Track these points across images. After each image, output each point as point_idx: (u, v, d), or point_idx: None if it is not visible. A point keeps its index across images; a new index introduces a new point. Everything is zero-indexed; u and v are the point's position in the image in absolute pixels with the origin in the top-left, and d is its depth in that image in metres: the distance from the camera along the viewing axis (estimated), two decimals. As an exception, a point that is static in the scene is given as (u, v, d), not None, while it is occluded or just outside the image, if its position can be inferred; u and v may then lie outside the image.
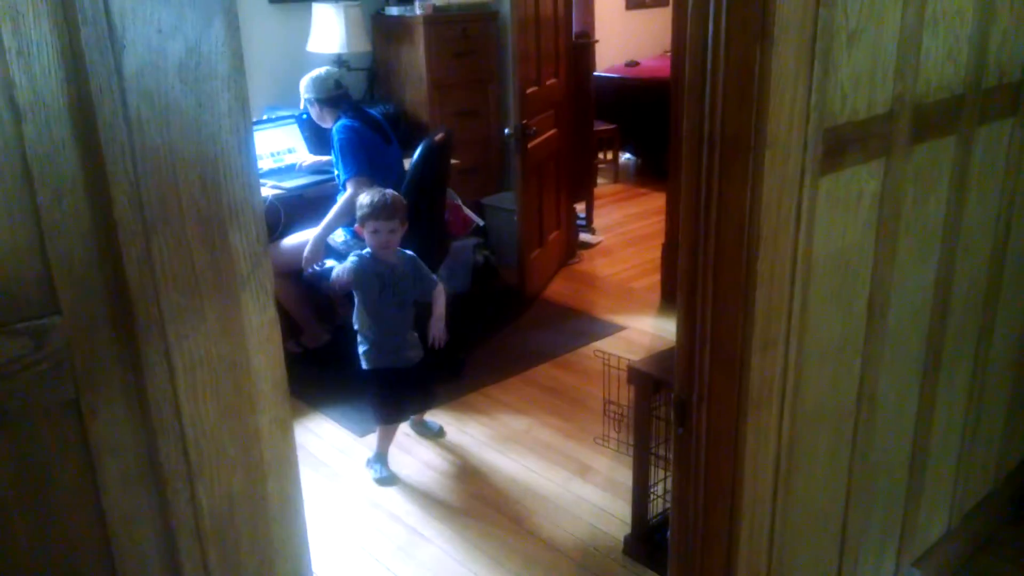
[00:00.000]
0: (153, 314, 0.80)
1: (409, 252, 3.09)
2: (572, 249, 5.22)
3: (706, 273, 1.52)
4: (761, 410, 1.57)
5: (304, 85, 3.69)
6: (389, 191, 3.06)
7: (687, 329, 1.59)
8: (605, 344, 4.06)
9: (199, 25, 0.77)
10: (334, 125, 3.67)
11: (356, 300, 3.02)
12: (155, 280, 0.80)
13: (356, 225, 3.06)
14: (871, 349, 1.81)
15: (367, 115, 3.84)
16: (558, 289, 4.84)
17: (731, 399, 1.55)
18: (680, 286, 1.59)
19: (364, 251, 3.01)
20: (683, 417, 1.64)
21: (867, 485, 1.94)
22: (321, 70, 3.73)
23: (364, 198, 2.99)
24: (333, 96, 3.67)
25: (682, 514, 1.71)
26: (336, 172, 3.70)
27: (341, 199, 3.59)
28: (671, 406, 1.71)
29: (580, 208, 5.57)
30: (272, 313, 0.88)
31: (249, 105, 0.83)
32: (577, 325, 4.35)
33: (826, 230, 1.59)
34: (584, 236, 5.50)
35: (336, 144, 3.61)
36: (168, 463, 0.84)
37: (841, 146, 1.55)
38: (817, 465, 1.78)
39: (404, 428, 3.40)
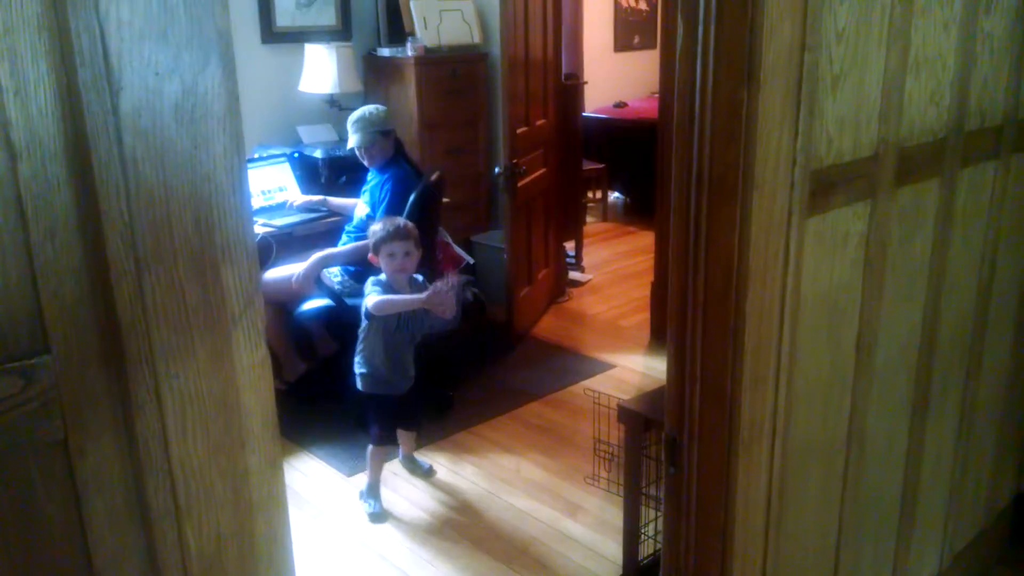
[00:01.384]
0: (144, 352, 0.80)
1: (419, 278, 3.10)
2: (561, 287, 5.23)
3: (695, 312, 1.53)
4: (752, 448, 1.57)
5: (361, 119, 3.65)
6: (400, 219, 3.09)
7: (677, 367, 1.59)
8: (594, 382, 4.06)
9: (195, 67, 0.79)
10: (385, 167, 3.68)
11: (367, 326, 3.02)
12: (146, 318, 0.80)
13: (370, 254, 3.07)
14: (860, 387, 1.81)
15: (412, 161, 3.88)
16: (547, 327, 4.84)
17: (722, 437, 1.55)
18: (670, 324, 1.60)
19: (380, 276, 3.02)
20: (674, 456, 1.64)
21: (858, 523, 1.93)
22: (374, 106, 3.74)
23: (377, 225, 3.01)
24: (388, 131, 3.70)
25: (673, 553, 1.70)
26: (367, 208, 3.70)
27: (364, 242, 3.59)
28: (662, 445, 1.71)
29: (569, 246, 5.60)
30: (263, 352, 0.88)
31: (244, 145, 0.84)
32: (566, 363, 4.35)
33: (813, 270, 1.60)
34: (573, 274, 5.52)
35: (386, 187, 3.63)
36: (156, 502, 0.84)
37: (827, 187, 1.57)
38: (808, 503, 1.77)
39: (394, 467, 3.37)
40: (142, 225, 0.78)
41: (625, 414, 2.50)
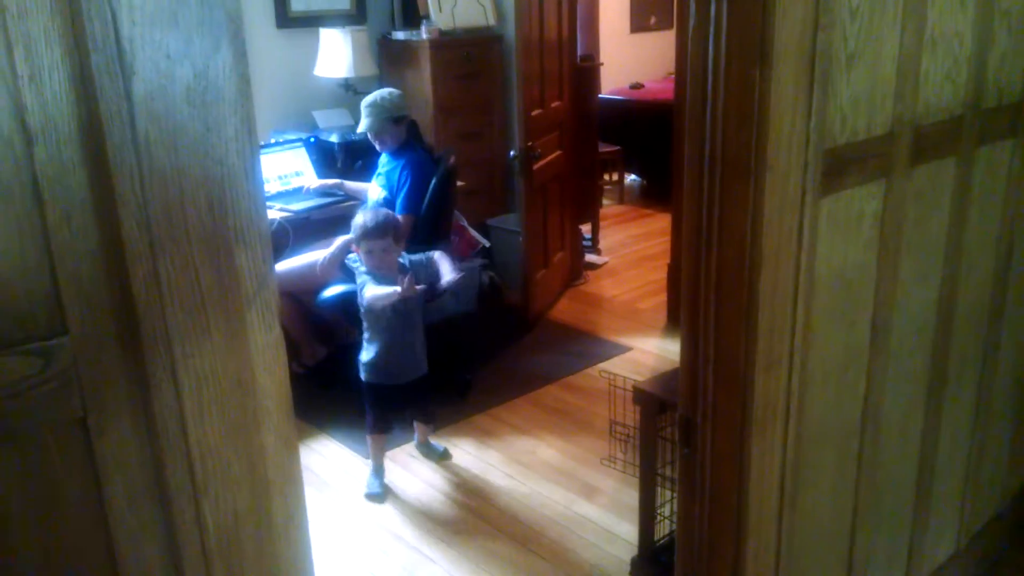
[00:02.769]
0: (159, 333, 0.81)
1: (405, 263, 3.10)
2: (577, 270, 5.23)
3: (708, 294, 1.53)
4: (766, 429, 1.57)
5: (374, 104, 3.64)
6: (382, 210, 3.08)
7: (691, 349, 1.59)
8: (611, 365, 4.06)
9: (207, 51, 0.79)
10: (399, 152, 3.69)
11: (364, 315, 3.04)
12: (162, 299, 0.81)
13: (353, 244, 3.09)
14: (875, 368, 1.81)
15: (427, 145, 3.87)
16: (563, 310, 4.85)
17: (735, 419, 1.56)
18: (683, 306, 1.60)
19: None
20: (688, 437, 1.65)
21: (874, 505, 1.93)
22: (388, 90, 3.74)
23: (358, 218, 3.02)
24: (402, 116, 3.70)
25: (687, 534, 1.71)
26: (382, 192, 3.72)
27: None
28: (677, 426, 1.72)
29: (586, 229, 5.59)
30: (277, 332, 0.89)
31: (256, 128, 0.85)
32: (582, 346, 4.36)
33: (828, 250, 1.60)
34: (590, 257, 5.52)
35: (404, 173, 3.64)
36: (174, 480, 0.85)
37: (841, 167, 1.56)
38: (823, 484, 1.77)
39: (411, 450, 3.40)
40: (156, 208, 0.79)
41: (641, 396, 2.51)
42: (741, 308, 1.49)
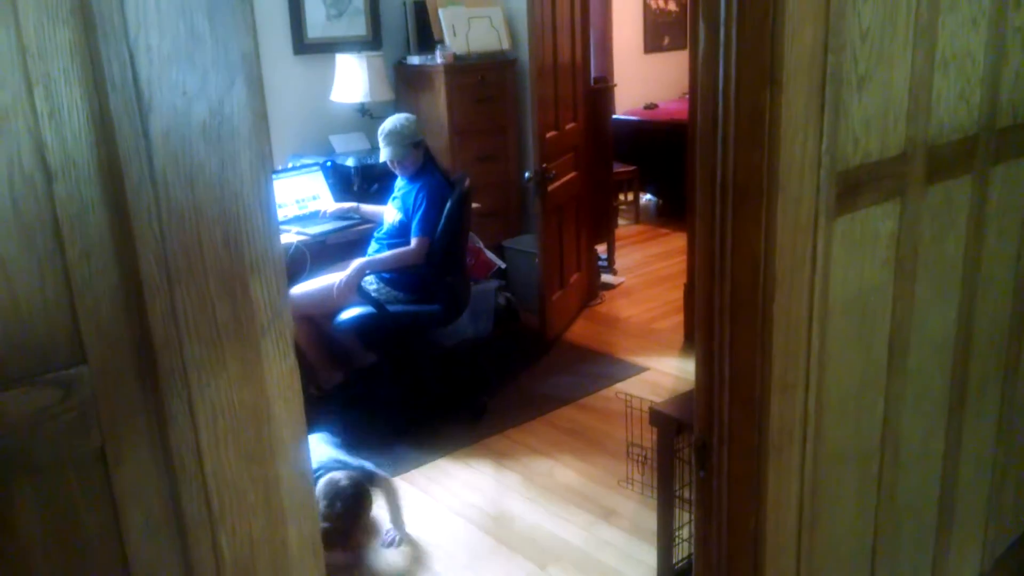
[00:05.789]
0: (176, 365, 0.83)
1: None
2: (594, 290, 5.23)
3: (722, 317, 1.53)
4: (783, 453, 1.56)
5: (392, 132, 3.69)
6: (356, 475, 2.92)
7: (705, 371, 1.59)
8: (627, 386, 4.05)
9: (222, 87, 0.81)
10: (417, 176, 3.73)
11: None
12: (179, 332, 0.82)
13: None
14: (893, 389, 1.80)
15: (442, 169, 3.91)
16: (580, 331, 4.85)
17: (752, 442, 1.55)
18: (697, 329, 1.60)
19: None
20: (704, 460, 1.64)
21: (895, 528, 1.91)
22: (403, 116, 3.78)
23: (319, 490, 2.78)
24: (419, 141, 3.74)
25: (705, 558, 1.70)
26: (398, 215, 3.75)
27: (403, 250, 3.64)
28: (692, 449, 1.71)
29: (601, 249, 5.59)
30: (292, 361, 0.90)
31: (271, 161, 0.87)
32: (599, 367, 4.35)
33: (843, 271, 1.60)
34: (606, 277, 5.52)
35: (420, 196, 3.67)
36: (190, 511, 0.86)
37: (855, 188, 1.56)
38: (842, 508, 1.76)
39: (427, 473, 3.40)
40: (174, 244, 0.81)
41: (657, 417, 2.50)
42: (755, 331, 1.49)
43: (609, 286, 5.46)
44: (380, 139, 3.70)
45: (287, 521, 0.93)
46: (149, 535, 0.86)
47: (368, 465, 3.00)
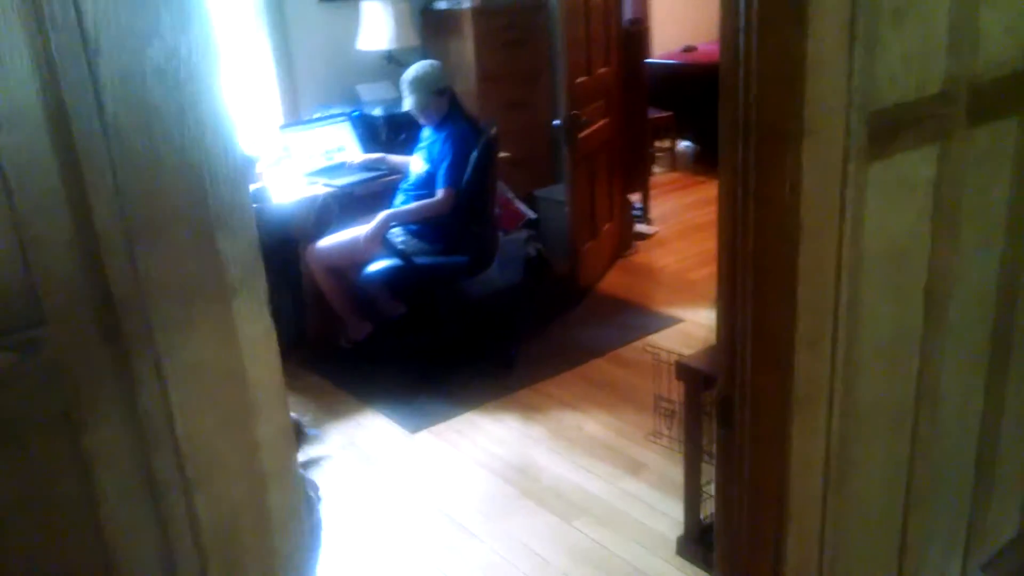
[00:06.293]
0: (141, 324, 0.78)
1: None
2: (627, 240, 5.13)
3: (745, 267, 1.45)
4: (808, 409, 1.49)
5: (416, 79, 3.61)
6: None
7: (727, 325, 1.52)
8: (660, 337, 3.98)
9: (176, 27, 0.75)
10: (442, 125, 3.65)
11: None
12: (142, 290, 0.78)
13: None
14: (930, 343, 1.71)
15: (469, 117, 3.81)
16: (612, 281, 4.77)
17: (776, 398, 1.48)
18: (719, 281, 1.52)
19: None
20: (726, 416, 1.58)
21: (929, 486, 1.84)
22: (427, 63, 3.69)
23: None
24: (444, 88, 3.65)
25: (727, 516, 1.64)
26: (424, 165, 3.68)
27: (428, 201, 3.58)
28: (714, 406, 1.65)
29: (636, 198, 5.47)
30: (267, 322, 0.85)
31: (234, 106, 0.81)
32: (631, 318, 4.28)
33: (877, 220, 1.50)
34: (640, 227, 5.41)
35: (445, 146, 3.59)
36: (163, 475, 0.83)
37: (891, 130, 1.45)
38: (873, 466, 1.69)
39: (455, 425, 3.39)
40: (131, 196, 0.76)
41: (684, 371, 2.44)
42: (780, 283, 1.41)
43: (643, 236, 5.35)
44: (403, 87, 3.62)
45: (268, 486, 0.89)
46: (123, 500, 0.83)
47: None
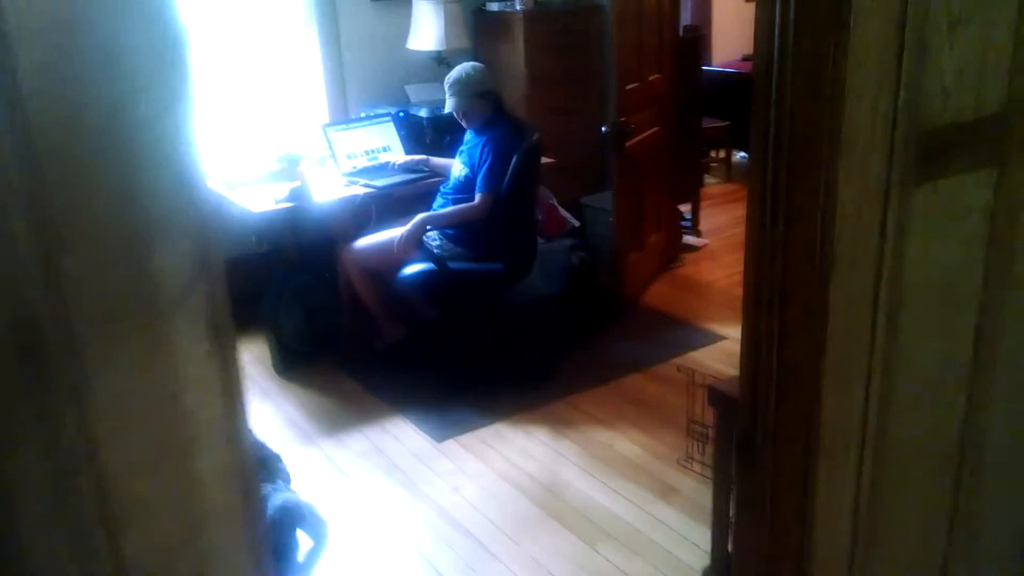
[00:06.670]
0: (62, 345, 0.71)
1: None
2: (674, 252, 4.99)
3: (772, 298, 1.33)
4: (836, 455, 1.37)
5: (458, 81, 3.54)
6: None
7: (751, 361, 1.40)
8: (701, 355, 3.84)
9: (113, 13, 0.67)
10: (484, 129, 3.57)
11: None
12: (65, 305, 0.70)
13: None
14: (979, 384, 1.56)
15: (515, 121, 3.72)
16: (657, 294, 4.63)
17: (801, 442, 1.36)
18: (743, 309, 1.41)
19: None
20: (747, 458, 1.46)
21: (971, 543, 1.68)
22: (470, 64, 3.62)
23: None
24: (487, 91, 3.57)
25: (744, 566, 1.52)
26: (464, 169, 3.61)
27: (465, 206, 3.51)
28: (734, 445, 1.53)
29: (686, 209, 5.32)
30: (211, 343, 0.77)
31: (188, 99, 0.73)
32: (674, 334, 4.14)
33: (922, 248, 1.37)
34: (688, 239, 5.25)
35: (486, 150, 3.51)
36: (86, 511, 0.75)
37: (942, 151, 1.32)
38: (909, 518, 1.55)
39: (482, 436, 3.30)
40: (53, 199, 0.68)
41: (716, 396, 2.31)
42: (808, 316, 1.29)
43: (691, 248, 5.20)
44: (445, 89, 3.55)
45: (209, 527, 0.81)
46: (42, 534, 0.75)
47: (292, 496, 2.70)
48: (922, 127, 1.27)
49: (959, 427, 1.56)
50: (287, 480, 2.80)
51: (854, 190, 1.22)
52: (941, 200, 1.36)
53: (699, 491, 2.88)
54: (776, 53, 1.21)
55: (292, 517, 2.58)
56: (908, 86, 1.22)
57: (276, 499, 2.58)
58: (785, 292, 1.31)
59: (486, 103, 3.55)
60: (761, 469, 1.42)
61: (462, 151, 3.69)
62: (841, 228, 1.23)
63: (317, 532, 2.68)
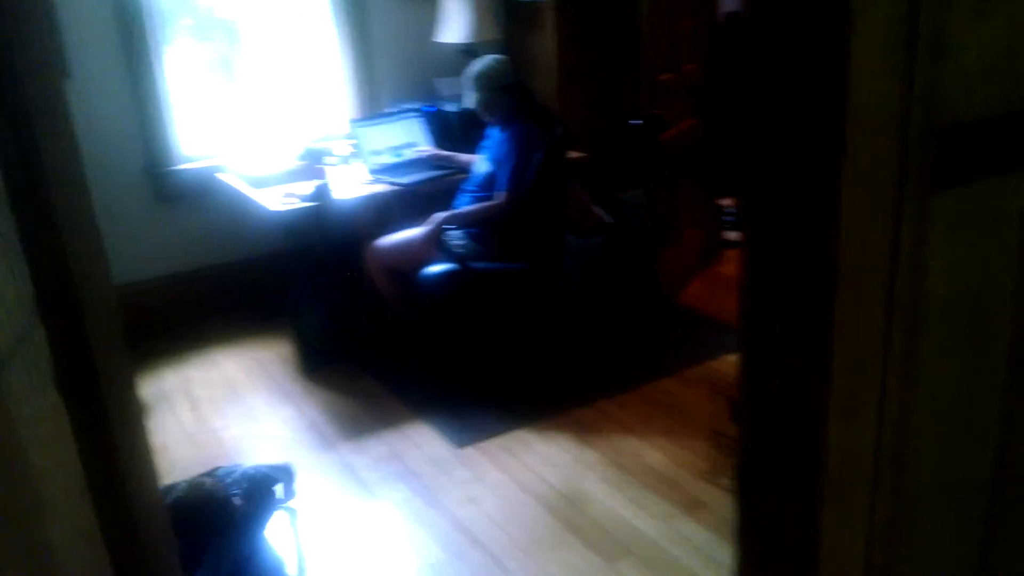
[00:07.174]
0: None
1: None
2: (714, 249, 4.80)
3: (772, 318, 1.19)
4: (845, 493, 1.22)
5: (479, 75, 3.45)
6: None
7: (748, 385, 1.26)
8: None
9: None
10: (507, 124, 3.46)
11: None
12: None
13: None
14: (1014, 412, 1.39)
15: (542, 114, 3.59)
16: (695, 293, 4.46)
17: (803, 478, 1.21)
18: (740, 332, 1.26)
19: None
20: (746, 491, 1.32)
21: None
22: (491, 57, 3.51)
23: None
24: (508, 85, 3.45)
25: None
26: (487, 165, 3.50)
27: (485, 205, 3.40)
28: (733, 477, 1.39)
29: (729, 204, 5.12)
30: (54, 398, 0.67)
31: (31, 101, 0.62)
32: (710, 334, 3.97)
33: (944, 262, 1.21)
34: (730, 235, 5.05)
35: (509, 146, 3.40)
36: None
37: (964, 154, 1.16)
38: (928, 560, 1.39)
39: (503, 443, 3.19)
40: None
41: (740, 410, 2.15)
42: (811, 339, 1.14)
43: (733, 244, 5.00)
44: (466, 84, 3.43)
45: (67, 599, 0.71)
46: None
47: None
48: (940, 125, 1.11)
49: (991, 458, 1.39)
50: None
51: (859, 199, 1.07)
52: (967, 208, 1.20)
53: (727, 506, 2.72)
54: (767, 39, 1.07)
55: (259, 488, 2.37)
56: (924, 80, 1.06)
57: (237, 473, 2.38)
58: (785, 313, 1.16)
59: (508, 97, 3.42)
60: (760, 507, 1.28)
61: (485, 147, 3.57)
62: (846, 241, 1.08)
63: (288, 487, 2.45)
